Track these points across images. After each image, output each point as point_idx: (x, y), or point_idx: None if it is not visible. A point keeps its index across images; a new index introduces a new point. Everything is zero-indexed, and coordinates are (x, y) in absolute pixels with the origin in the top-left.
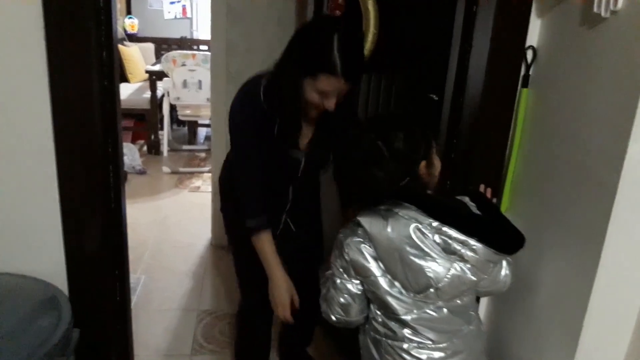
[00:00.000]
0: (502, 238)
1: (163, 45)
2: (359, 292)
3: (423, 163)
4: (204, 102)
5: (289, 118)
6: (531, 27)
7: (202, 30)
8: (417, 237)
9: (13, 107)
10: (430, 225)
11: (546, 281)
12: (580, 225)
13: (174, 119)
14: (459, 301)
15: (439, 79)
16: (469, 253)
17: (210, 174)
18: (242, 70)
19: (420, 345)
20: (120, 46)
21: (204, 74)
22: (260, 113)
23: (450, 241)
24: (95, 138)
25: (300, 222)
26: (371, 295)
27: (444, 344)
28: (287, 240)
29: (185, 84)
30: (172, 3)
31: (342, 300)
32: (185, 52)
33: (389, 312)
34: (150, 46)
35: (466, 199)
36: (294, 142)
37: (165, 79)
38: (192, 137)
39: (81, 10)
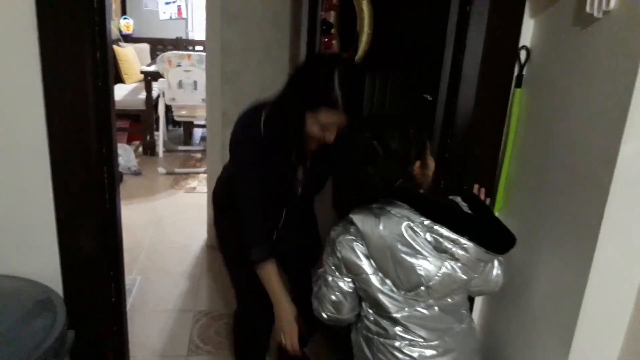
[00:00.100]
0: (493, 237)
1: (158, 46)
2: (351, 290)
3: (417, 163)
4: (200, 103)
5: (291, 150)
6: (524, 27)
7: (198, 30)
8: (409, 236)
9: (7, 108)
10: (422, 223)
11: (540, 280)
12: (574, 225)
13: (170, 120)
14: (450, 300)
15: (433, 79)
16: (460, 252)
17: (205, 175)
18: (238, 70)
19: (412, 343)
20: (115, 47)
21: (200, 75)
22: (261, 145)
23: (441, 240)
24: (89, 139)
25: (294, 230)
26: (363, 294)
27: (436, 342)
28: (283, 243)
29: (180, 84)
30: (167, 3)
31: (333, 297)
32: (180, 52)
33: (381, 310)
34: (145, 47)
35: (458, 199)
36: (292, 173)
37: (160, 79)
38: (187, 138)
39: (75, 11)
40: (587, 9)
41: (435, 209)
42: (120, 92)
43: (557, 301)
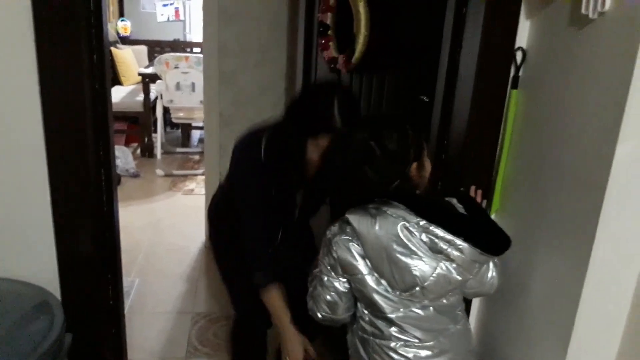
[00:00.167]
0: (488, 239)
1: (156, 48)
2: (346, 291)
3: (414, 164)
4: (197, 105)
5: (291, 175)
6: (520, 28)
7: (195, 32)
8: (405, 236)
9: (3, 110)
10: (417, 224)
11: (537, 281)
12: (571, 225)
13: (168, 122)
14: (445, 300)
15: (429, 81)
16: (455, 252)
17: (203, 177)
18: (235, 72)
19: (407, 343)
20: (113, 49)
21: (197, 77)
22: (262, 171)
23: (436, 240)
24: (86, 141)
25: (291, 248)
26: (358, 294)
27: (431, 343)
28: (280, 260)
29: (178, 86)
30: (164, 5)
31: (328, 298)
32: (178, 54)
33: (376, 311)
34: (143, 49)
35: (454, 201)
36: (291, 197)
37: (158, 81)
38: (185, 140)
39: (72, 13)
40: (583, 10)
41: (431, 210)
42: (118, 94)
43: (555, 302)
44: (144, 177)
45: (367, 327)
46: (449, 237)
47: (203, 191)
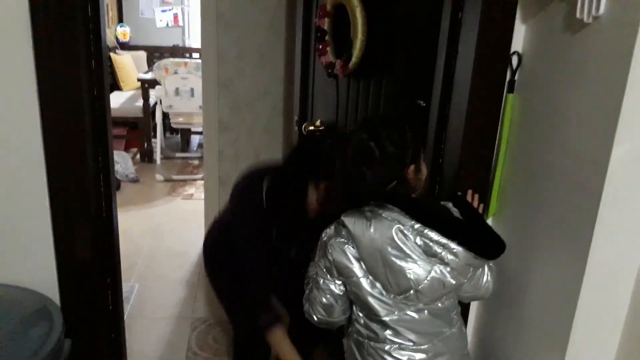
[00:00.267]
0: (483, 243)
1: (155, 54)
2: (341, 293)
3: (412, 167)
4: (197, 110)
5: (292, 220)
6: (516, 33)
7: (194, 38)
8: (399, 239)
9: (2, 117)
10: (412, 227)
11: (534, 285)
12: (567, 229)
13: (167, 127)
14: (440, 304)
15: (426, 85)
16: (449, 256)
17: (203, 181)
18: (233, 77)
19: (402, 346)
20: (112, 54)
21: (196, 82)
22: (264, 217)
23: (431, 244)
24: (85, 147)
25: (289, 277)
26: (353, 297)
27: (425, 346)
28: (278, 286)
29: (177, 91)
30: (163, 11)
31: (324, 300)
32: (177, 60)
33: (371, 314)
34: (142, 54)
35: (449, 205)
36: (291, 240)
37: (157, 87)
38: (185, 145)
39: (70, 19)
40: (577, 15)
41: (426, 213)
42: (117, 99)
43: (552, 305)
44: (144, 182)
45: (362, 330)
46: (444, 240)
47: (202, 196)
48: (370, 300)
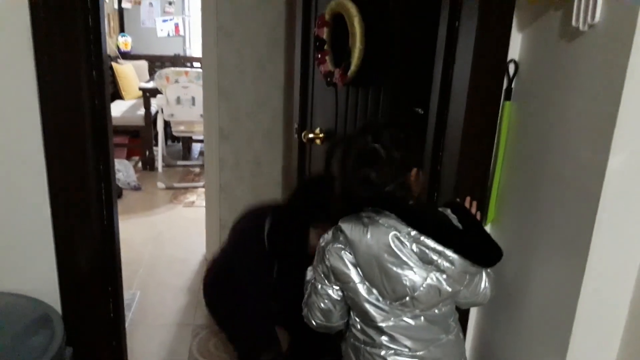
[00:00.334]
0: (480, 250)
1: (156, 63)
2: (339, 298)
3: (414, 171)
4: (198, 118)
5: (293, 260)
6: (512, 41)
7: (195, 47)
8: (396, 246)
9: (3, 126)
10: (408, 234)
11: (533, 291)
12: (566, 235)
13: (168, 135)
14: (436, 310)
15: (424, 93)
16: (446, 263)
17: (204, 189)
18: (233, 86)
19: (397, 352)
20: (114, 64)
21: (197, 91)
22: (264, 257)
23: (427, 251)
24: (86, 156)
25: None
26: (350, 302)
27: (421, 352)
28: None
29: (178, 100)
30: (164, 21)
31: (322, 305)
32: (178, 69)
33: (367, 319)
34: (143, 64)
35: (448, 211)
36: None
37: (159, 95)
38: (186, 153)
39: (71, 30)
40: (573, 23)
41: (422, 220)
42: (119, 108)
43: (551, 311)
44: (145, 190)
45: (359, 335)
46: (440, 248)
47: (203, 203)
48: (367, 306)
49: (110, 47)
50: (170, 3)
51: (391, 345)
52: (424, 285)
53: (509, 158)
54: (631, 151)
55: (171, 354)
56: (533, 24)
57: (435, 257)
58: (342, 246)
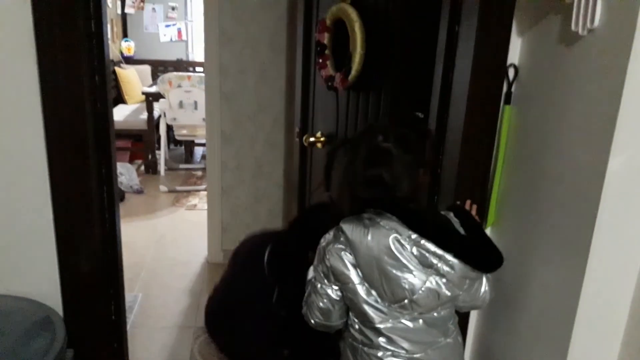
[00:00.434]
0: (480, 255)
1: (159, 67)
2: (338, 298)
3: (422, 171)
4: (200, 122)
5: (293, 286)
6: (512, 45)
7: (198, 52)
8: (396, 248)
9: (6, 131)
10: (409, 237)
11: (534, 293)
12: (566, 237)
13: (171, 139)
14: (435, 314)
15: (424, 97)
16: (445, 268)
17: (206, 192)
18: (235, 90)
19: (395, 354)
20: (117, 68)
21: (200, 95)
22: (265, 283)
23: (427, 254)
24: (88, 159)
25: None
26: (349, 302)
27: (419, 355)
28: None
29: (181, 104)
30: (167, 26)
31: (321, 304)
32: (180, 73)
33: (365, 320)
34: (146, 68)
35: (450, 214)
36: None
37: (161, 100)
38: (188, 156)
39: (73, 35)
40: (573, 27)
41: (424, 224)
42: (122, 112)
43: (552, 313)
44: (148, 193)
45: (357, 336)
46: (440, 252)
47: (205, 206)
48: (365, 307)
49: (113, 52)
50: (173, 8)
51: (389, 347)
52: (423, 289)
53: (509, 161)
54: (631, 153)
55: (172, 356)
56: (533, 29)
57: (435, 261)
58: (343, 247)
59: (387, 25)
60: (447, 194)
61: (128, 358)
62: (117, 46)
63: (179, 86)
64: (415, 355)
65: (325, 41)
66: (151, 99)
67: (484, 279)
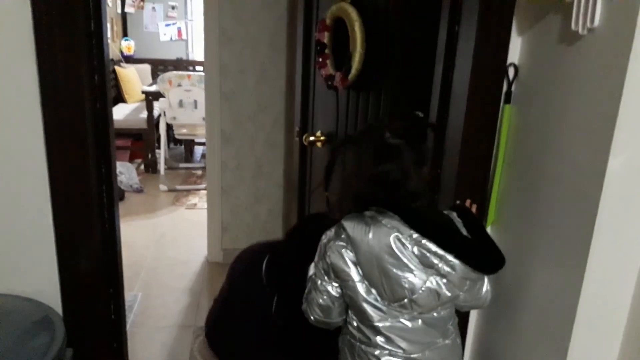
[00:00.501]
0: (481, 257)
1: (159, 67)
2: (338, 295)
3: (425, 168)
4: (200, 122)
5: (291, 296)
6: (512, 44)
7: (198, 51)
8: (397, 247)
9: (5, 130)
10: (410, 236)
11: (533, 293)
12: (566, 237)
13: (171, 138)
14: (435, 314)
15: (424, 97)
16: (446, 268)
17: (206, 192)
18: (235, 90)
19: (392, 353)
20: (117, 68)
21: (199, 94)
22: (263, 293)
23: (428, 254)
24: (88, 159)
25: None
26: (349, 300)
27: (416, 355)
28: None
29: (181, 103)
30: (167, 25)
31: (321, 301)
32: (180, 73)
33: (364, 318)
34: (146, 67)
35: (453, 215)
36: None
37: (161, 99)
38: (188, 156)
39: (73, 35)
40: (573, 27)
41: (425, 223)
42: (122, 111)
43: (551, 314)
44: (148, 193)
45: (355, 333)
46: (441, 252)
47: (205, 205)
48: (365, 305)
49: (113, 51)
50: (173, 7)
51: (386, 346)
52: (423, 289)
53: (509, 161)
54: (631, 153)
55: (172, 356)
56: (533, 28)
57: (436, 261)
58: (344, 244)
59: (387, 25)
60: (447, 194)
61: (128, 357)
62: (117, 45)
63: (179, 85)
64: (412, 356)
65: (325, 40)
66: (151, 98)
67: (486, 279)
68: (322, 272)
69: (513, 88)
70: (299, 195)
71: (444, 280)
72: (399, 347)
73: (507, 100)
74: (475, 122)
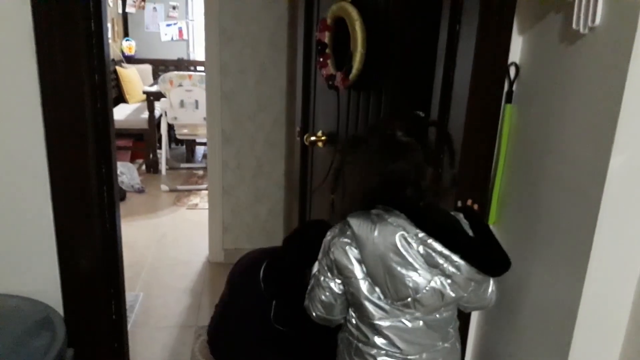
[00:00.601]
0: (487, 259)
1: (160, 67)
2: (341, 292)
3: (429, 170)
4: (201, 122)
5: (289, 300)
6: (513, 44)
7: (199, 51)
8: (402, 246)
9: (6, 130)
10: (416, 235)
11: (535, 294)
12: (567, 237)
13: (172, 138)
14: (437, 315)
15: (425, 96)
16: (451, 268)
17: (207, 192)
18: (235, 90)
19: (389, 353)
20: (118, 68)
21: (201, 94)
22: (261, 299)
23: (433, 254)
24: (88, 159)
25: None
26: (350, 297)
27: (414, 357)
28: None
29: (182, 104)
30: (168, 25)
31: (324, 298)
32: (181, 73)
33: (363, 316)
34: (147, 67)
35: (460, 216)
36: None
37: (162, 99)
38: (189, 156)
39: (73, 35)
40: (574, 26)
41: (431, 223)
42: (123, 111)
43: (553, 314)
44: (149, 193)
45: (354, 331)
46: (446, 252)
47: (207, 206)
48: (366, 303)
49: (114, 51)
50: (174, 8)
51: (383, 346)
52: (427, 288)
53: (510, 161)
54: (632, 152)
55: (173, 356)
56: (534, 27)
57: (441, 261)
58: (349, 241)
59: (388, 24)
60: (448, 194)
61: (129, 357)
62: (118, 45)
63: (180, 85)
64: (409, 357)
65: (326, 40)
66: (152, 98)
67: (491, 281)
68: (326, 268)
69: (514, 87)
70: (299, 195)
71: (449, 281)
72: (397, 348)
73: (508, 100)
74: (476, 121)
